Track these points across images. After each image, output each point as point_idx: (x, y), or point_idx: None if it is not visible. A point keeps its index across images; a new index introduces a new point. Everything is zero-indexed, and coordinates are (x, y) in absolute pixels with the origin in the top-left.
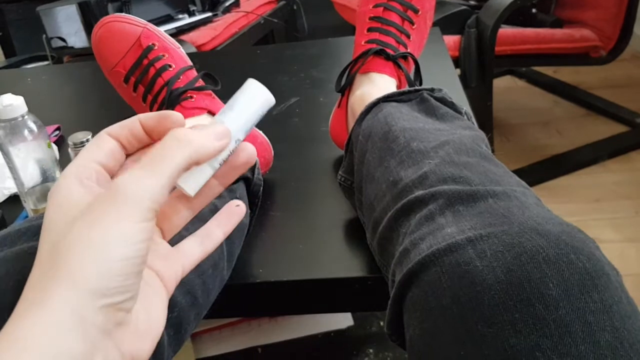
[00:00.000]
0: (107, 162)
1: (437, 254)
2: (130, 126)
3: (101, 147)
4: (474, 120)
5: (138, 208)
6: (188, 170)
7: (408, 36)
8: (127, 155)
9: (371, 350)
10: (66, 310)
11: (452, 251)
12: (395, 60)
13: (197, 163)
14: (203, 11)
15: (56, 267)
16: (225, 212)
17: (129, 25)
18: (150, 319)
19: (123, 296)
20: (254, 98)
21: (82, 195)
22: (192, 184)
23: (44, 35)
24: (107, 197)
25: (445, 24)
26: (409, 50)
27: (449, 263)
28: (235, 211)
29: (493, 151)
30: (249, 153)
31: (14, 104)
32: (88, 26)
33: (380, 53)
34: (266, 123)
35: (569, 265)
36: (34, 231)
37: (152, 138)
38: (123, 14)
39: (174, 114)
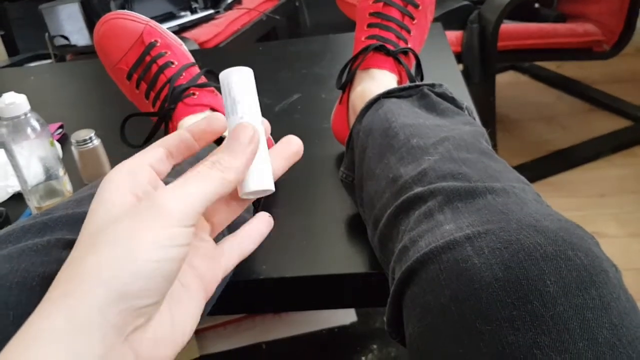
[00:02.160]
0: (158, 167)
1: (436, 252)
2: (180, 134)
3: (154, 153)
4: (475, 115)
5: (172, 216)
6: (249, 174)
7: (408, 31)
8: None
9: (375, 346)
10: (92, 309)
11: (450, 248)
12: (395, 56)
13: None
14: (205, 8)
15: (87, 263)
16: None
17: (131, 22)
18: (175, 325)
19: (146, 300)
20: (242, 82)
21: (126, 194)
22: (260, 181)
23: (46, 34)
24: (147, 205)
25: (448, 20)
26: (409, 46)
27: (447, 260)
28: (267, 220)
29: (495, 146)
30: (298, 143)
31: (17, 102)
32: (90, 24)
33: (380, 49)
34: (269, 120)
35: (566, 262)
36: (39, 228)
37: (199, 143)
38: (125, 10)
39: (216, 118)
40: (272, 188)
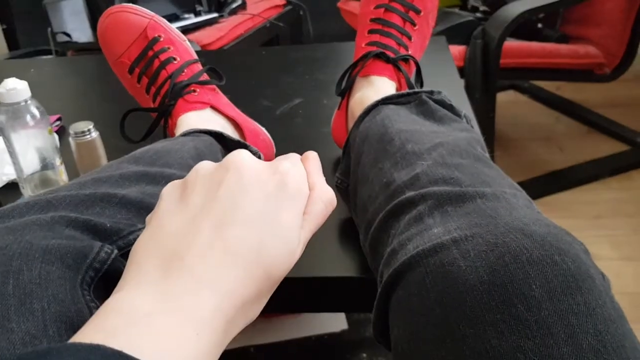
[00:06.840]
0: None
1: (422, 255)
2: None
3: None
4: (473, 123)
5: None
6: None
7: (409, 37)
8: None
9: (364, 355)
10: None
11: (436, 251)
12: (395, 63)
13: None
14: (209, 11)
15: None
16: None
17: (136, 16)
18: None
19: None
20: None
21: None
22: None
23: (49, 29)
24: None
25: (452, 34)
26: (410, 52)
27: (433, 263)
28: None
29: (492, 152)
30: None
31: (18, 87)
32: (94, 20)
33: (380, 56)
34: (269, 122)
35: (552, 266)
36: (42, 205)
37: None
38: (130, 4)
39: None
40: None
